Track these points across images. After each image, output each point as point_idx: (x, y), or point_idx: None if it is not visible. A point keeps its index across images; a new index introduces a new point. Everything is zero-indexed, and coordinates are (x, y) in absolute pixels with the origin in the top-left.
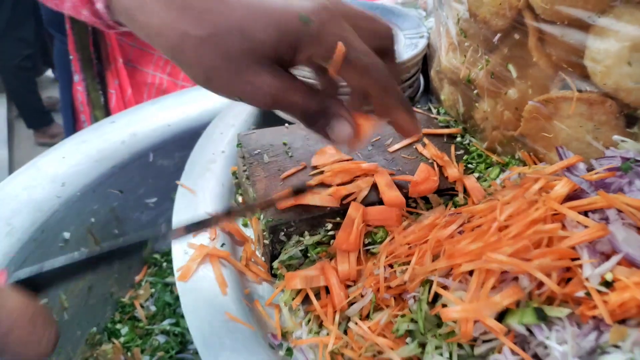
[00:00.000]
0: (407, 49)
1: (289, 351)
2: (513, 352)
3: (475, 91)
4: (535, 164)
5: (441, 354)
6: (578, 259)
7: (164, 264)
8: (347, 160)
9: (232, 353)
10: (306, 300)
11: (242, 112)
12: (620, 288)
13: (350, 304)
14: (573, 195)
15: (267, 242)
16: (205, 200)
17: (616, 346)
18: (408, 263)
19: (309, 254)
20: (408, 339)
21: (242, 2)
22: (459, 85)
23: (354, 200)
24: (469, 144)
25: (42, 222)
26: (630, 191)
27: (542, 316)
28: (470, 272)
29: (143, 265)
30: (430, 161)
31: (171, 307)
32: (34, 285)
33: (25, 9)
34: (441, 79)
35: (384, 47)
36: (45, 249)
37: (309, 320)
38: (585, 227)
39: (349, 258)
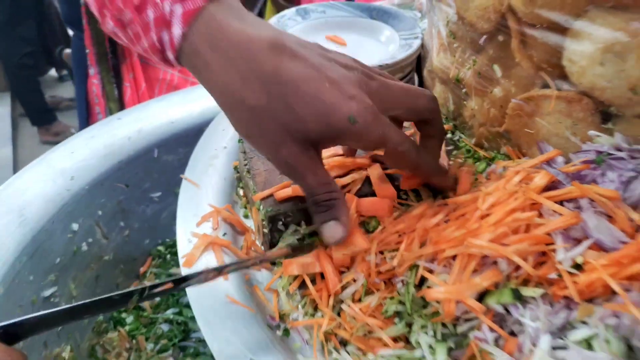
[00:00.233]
0: (401, 49)
1: (286, 332)
2: (491, 329)
3: (463, 90)
4: (519, 158)
5: (426, 333)
6: (553, 244)
7: (168, 256)
8: (342, 154)
9: (233, 332)
10: (302, 285)
11: None
12: (589, 270)
13: (344, 288)
14: (551, 186)
15: (266, 231)
16: (208, 194)
17: (584, 322)
18: (397, 250)
19: (305, 242)
20: (396, 319)
21: (299, 85)
22: (449, 84)
23: (349, 192)
24: (458, 140)
25: (52, 214)
26: (602, 182)
27: (518, 296)
28: (454, 257)
29: (148, 257)
30: None
31: (174, 297)
32: (12, 335)
33: (24, 7)
34: (433, 78)
35: (424, 119)
36: (54, 239)
37: (304, 304)
38: (560, 215)
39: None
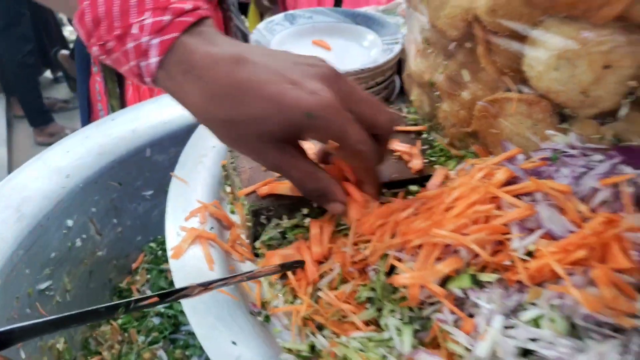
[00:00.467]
0: (383, 53)
1: (267, 318)
2: (452, 312)
3: (436, 93)
4: (487, 156)
5: (394, 316)
6: (509, 233)
7: (159, 252)
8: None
9: (217, 319)
10: (284, 276)
11: None
12: (539, 257)
13: (321, 277)
14: (511, 182)
15: (249, 224)
16: (196, 190)
17: (533, 304)
18: (371, 242)
19: (287, 235)
20: (368, 305)
21: (258, 96)
22: (424, 88)
23: None
24: (433, 140)
25: (48, 210)
26: (557, 177)
27: (476, 281)
28: (421, 247)
29: (140, 253)
30: (397, 154)
31: None
32: (2, 342)
33: (20, 4)
34: (410, 82)
35: (380, 135)
36: (50, 235)
37: (285, 292)
38: (517, 207)
39: (322, 240)
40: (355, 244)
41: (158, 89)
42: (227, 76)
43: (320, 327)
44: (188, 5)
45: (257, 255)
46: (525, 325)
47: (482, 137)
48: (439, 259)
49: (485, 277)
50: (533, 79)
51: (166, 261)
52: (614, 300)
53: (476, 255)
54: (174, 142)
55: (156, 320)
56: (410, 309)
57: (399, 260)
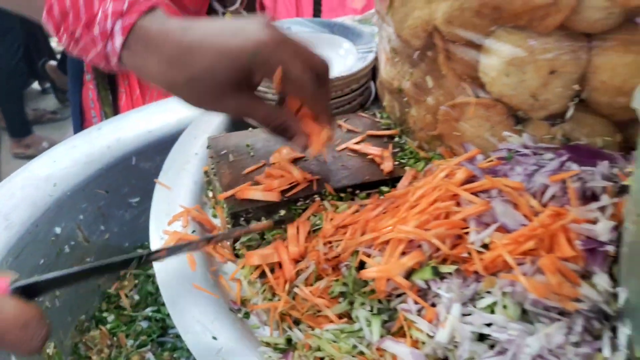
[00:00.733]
0: (358, 62)
1: (247, 314)
2: (415, 302)
3: (405, 99)
4: (451, 157)
5: (364, 309)
6: (467, 228)
7: None
8: (300, 157)
9: (199, 315)
10: (262, 275)
11: (213, 120)
12: (493, 248)
13: (298, 275)
14: (470, 180)
15: (229, 226)
16: (179, 195)
17: (489, 292)
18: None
19: (265, 236)
20: (341, 299)
21: (208, 47)
22: (394, 94)
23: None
24: (404, 143)
25: (36, 218)
26: (511, 175)
27: (437, 273)
28: (388, 242)
29: None
30: (370, 157)
31: (153, 296)
32: (30, 292)
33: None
34: (382, 88)
35: (319, 74)
36: (38, 242)
37: (264, 290)
38: (474, 203)
39: (298, 240)
40: (329, 242)
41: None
42: (178, 42)
43: (296, 322)
44: None
45: (237, 256)
46: (481, 311)
47: (447, 140)
48: (403, 253)
49: (445, 268)
50: (488, 85)
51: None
52: (559, 286)
53: (437, 249)
54: (158, 150)
55: (144, 324)
56: (379, 301)
57: (368, 256)
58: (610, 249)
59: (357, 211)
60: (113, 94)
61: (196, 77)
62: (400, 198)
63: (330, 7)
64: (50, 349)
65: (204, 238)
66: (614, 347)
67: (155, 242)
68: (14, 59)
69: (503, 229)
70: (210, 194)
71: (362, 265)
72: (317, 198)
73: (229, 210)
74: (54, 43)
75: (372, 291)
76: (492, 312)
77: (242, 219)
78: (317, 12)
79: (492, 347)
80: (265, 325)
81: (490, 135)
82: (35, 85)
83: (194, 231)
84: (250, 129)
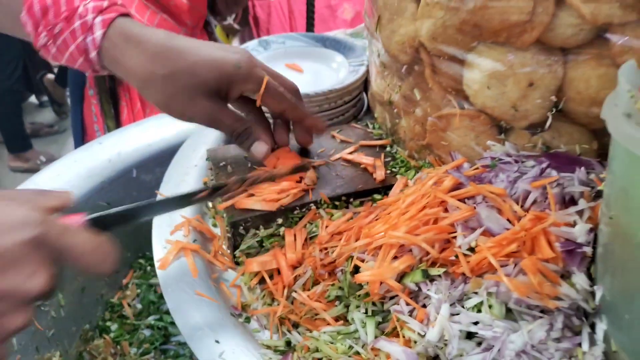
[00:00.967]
0: (350, 75)
1: (247, 319)
2: (407, 303)
3: (395, 110)
4: (440, 166)
5: (359, 311)
6: (455, 232)
7: (148, 268)
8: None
9: (201, 320)
10: (262, 281)
11: (211, 133)
12: (479, 251)
13: (296, 280)
14: (457, 187)
15: (229, 235)
16: None
17: (475, 293)
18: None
19: (264, 244)
20: (337, 302)
21: (193, 51)
22: (384, 106)
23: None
24: (395, 153)
25: None
26: (495, 182)
27: (427, 275)
28: (381, 247)
29: (130, 269)
30: (363, 167)
31: (155, 305)
32: (102, 225)
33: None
34: (373, 100)
35: (294, 94)
36: None
37: (264, 296)
38: (460, 209)
39: (295, 247)
40: (325, 248)
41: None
42: (163, 41)
43: (295, 325)
44: (119, 1)
45: (237, 263)
46: (468, 311)
47: (436, 149)
48: (395, 258)
49: (434, 271)
50: (471, 97)
51: (155, 276)
52: (541, 286)
53: (427, 253)
54: (158, 162)
55: (147, 332)
56: (374, 304)
57: (362, 260)
58: (588, 250)
59: (351, 218)
60: (115, 107)
61: (177, 73)
62: (391, 205)
63: (322, 18)
64: (56, 358)
65: (237, 179)
66: (592, 342)
67: (159, 251)
68: (12, 78)
69: (488, 233)
70: (210, 204)
71: (356, 270)
72: (313, 206)
73: (228, 219)
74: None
75: (367, 294)
76: (479, 311)
77: (242, 227)
78: (310, 25)
79: (479, 344)
80: (265, 329)
81: (476, 144)
82: (32, 99)
83: (195, 240)
84: None
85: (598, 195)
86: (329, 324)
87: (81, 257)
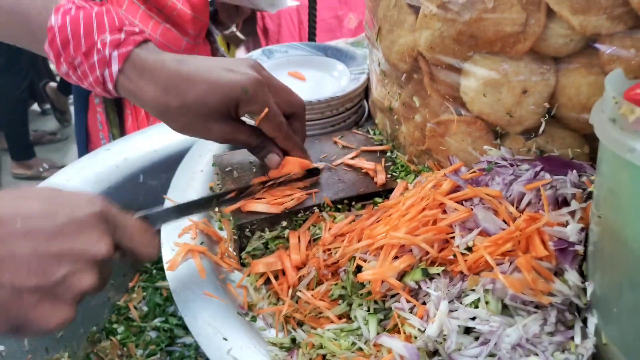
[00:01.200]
0: (351, 82)
1: (253, 318)
2: (408, 301)
3: (395, 117)
4: (439, 170)
5: (362, 309)
6: (453, 233)
7: (154, 271)
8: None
9: (209, 319)
10: (267, 282)
11: None
12: (476, 250)
13: (300, 280)
14: (455, 190)
15: (236, 237)
16: None
17: (473, 290)
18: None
19: (269, 246)
20: (340, 301)
21: (203, 78)
22: (385, 112)
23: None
24: (395, 158)
25: None
26: (491, 185)
27: (426, 274)
28: (382, 248)
29: (136, 273)
30: (364, 171)
31: (161, 307)
32: (150, 219)
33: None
34: (374, 107)
35: (295, 113)
36: None
37: (269, 295)
38: (458, 211)
39: (300, 248)
40: (328, 249)
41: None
42: (174, 71)
43: (300, 323)
44: (137, 28)
45: (243, 265)
46: (466, 307)
47: (435, 154)
48: (396, 257)
49: (434, 270)
50: (468, 103)
51: (161, 279)
52: (535, 283)
53: (426, 252)
54: (164, 168)
55: (153, 334)
56: (375, 302)
57: (364, 260)
58: (579, 248)
59: (353, 221)
60: (120, 115)
61: (189, 104)
62: (392, 207)
63: (330, 28)
64: (64, 359)
65: (260, 183)
66: (584, 335)
67: (167, 253)
68: (20, 87)
69: (485, 233)
70: (217, 208)
71: (359, 270)
72: (316, 210)
73: (235, 222)
74: (53, 65)
75: (369, 293)
76: (476, 307)
77: (248, 230)
78: (311, 35)
79: (476, 338)
80: (271, 327)
81: (473, 149)
82: (35, 107)
83: (202, 242)
84: None
85: (589, 196)
86: (332, 321)
87: (132, 237)
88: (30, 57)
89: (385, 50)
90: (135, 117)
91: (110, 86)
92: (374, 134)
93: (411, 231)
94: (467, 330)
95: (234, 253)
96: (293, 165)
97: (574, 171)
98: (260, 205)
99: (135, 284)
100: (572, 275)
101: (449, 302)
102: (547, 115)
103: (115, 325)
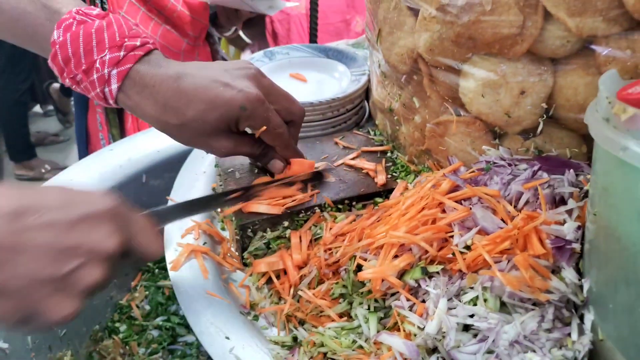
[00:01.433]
0: (351, 84)
1: (255, 317)
2: (407, 299)
3: (395, 118)
4: (439, 170)
5: (362, 307)
6: (452, 231)
7: (156, 270)
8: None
9: (212, 318)
10: (269, 281)
11: None
12: (475, 249)
13: (302, 280)
14: (454, 189)
15: (238, 237)
16: None
17: (471, 287)
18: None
19: (271, 246)
20: (341, 300)
21: (201, 96)
22: (385, 113)
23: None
24: (396, 158)
25: None
26: (490, 184)
27: (425, 272)
28: (382, 247)
29: (138, 272)
30: (365, 171)
31: (163, 306)
32: (156, 217)
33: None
34: (375, 108)
35: (294, 119)
36: None
37: (271, 295)
38: (457, 210)
39: (301, 248)
40: (329, 249)
41: None
42: (172, 89)
43: (301, 322)
44: (138, 42)
45: (245, 264)
46: (465, 305)
47: (434, 154)
48: (396, 256)
49: (433, 268)
50: (467, 104)
51: (163, 278)
52: (532, 280)
53: (426, 251)
54: (167, 168)
55: (155, 333)
56: (376, 300)
57: (365, 260)
58: (576, 246)
59: (354, 220)
60: (119, 116)
61: (188, 122)
62: (392, 207)
63: (337, 32)
64: (67, 357)
65: (266, 182)
66: (581, 332)
67: (171, 254)
68: (20, 90)
69: (483, 232)
70: (219, 209)
71: (359, 269)
72: (317, 210)
73: (237, 222)
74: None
75: (369, 291)
76: (475, 305)
77: (250, 230)
78: (312, 36)
79: (475, 335)
80: (273, 326)
81: (472, 149)
82: (37, 108)
83: (205, 243)
84: None
85: (586, 195)
86: (333, 320)
87: (140, 233)
88: (32, 57)
89: (386, 52)
90: (135, 118)
91: (111, 102)
92: (375, 134)
93: (411, 230)
94: (466, 328)
95: (237, 253)
96: (299, 165)
97: (572, 170)
98: (262, 206)
99: (137, 283)
100: (569, 273)
101: (448, 300)
102: (545, 116)
103: (117, 324)
